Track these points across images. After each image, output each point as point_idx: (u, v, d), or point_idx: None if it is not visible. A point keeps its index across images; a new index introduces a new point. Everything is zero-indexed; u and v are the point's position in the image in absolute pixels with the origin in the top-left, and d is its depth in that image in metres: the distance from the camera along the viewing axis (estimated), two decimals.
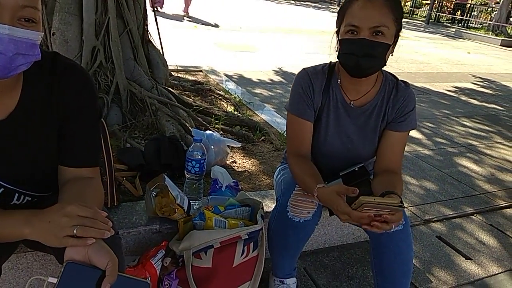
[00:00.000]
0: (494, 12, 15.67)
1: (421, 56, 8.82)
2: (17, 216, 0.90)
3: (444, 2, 18.71)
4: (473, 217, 2.53)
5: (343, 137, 1.48)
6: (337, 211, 1.22)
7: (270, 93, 4.65)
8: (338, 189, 1.23)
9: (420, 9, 20.53)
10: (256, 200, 1.73)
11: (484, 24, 15.93)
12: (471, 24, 16.69)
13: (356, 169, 1.28)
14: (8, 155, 1.02)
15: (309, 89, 1.45)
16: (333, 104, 1.47)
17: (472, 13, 17.48)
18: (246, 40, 8.14)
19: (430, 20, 17.56)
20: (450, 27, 16.70)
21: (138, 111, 2.77)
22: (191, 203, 1.68)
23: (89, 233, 0.85)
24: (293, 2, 18.97)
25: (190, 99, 3.26)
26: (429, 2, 18.15)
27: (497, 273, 2.02)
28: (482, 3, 18.72)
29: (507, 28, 14.36)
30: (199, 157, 1.72)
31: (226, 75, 4.64)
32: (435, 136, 3.96)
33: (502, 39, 12.92)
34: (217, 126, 2.88)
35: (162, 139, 2.22)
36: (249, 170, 2.39)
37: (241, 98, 3.69)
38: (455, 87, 6.25)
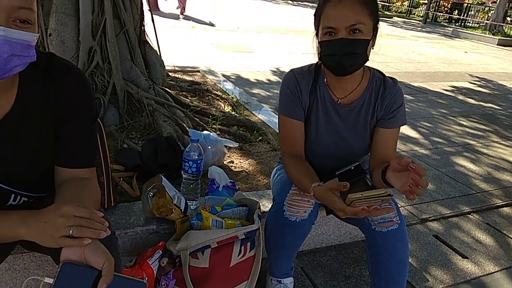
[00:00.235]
0: (491, 12, 15.72)
1: (418, 56, 8.84)
2: (13, 217, 0.90)
3: (441, 1, 18.77)
4: (470, 216, 2.54)
5: (333, 135, 1.49)
6: (333, 208, 1.24)
7: (267, 93, 4.66)
8: (331, 185, 1.24)
9: (417, 9, 20.58)
10: (253, 200, 1.73)
11: (481, 24, 15.98)
12: (468, 24, 16.74)
13: (352, 168, 1.28)
14: (4, 156, 1.02)
15: (296, 89, 1.47)
16: (321, 103, 1.48)
17: (469, 13, 17.54)
18: (243, 40, 8.14)
19: (428, 20, 17.60)
20: (447, 26, 16.74)
21: (135, 112, 2.77)
22: (188, 203, 1.69)
23: (85, 233, 0.85)
24: (290, 2, 18.98)
25: (188, 100, 3.26)
26: (426, 1, 18.20)
27: (494, 272, 2.03)
28: (479, 2, 18.80)
29: (504, 27, 14.41)
30: (196, 157, 1.73)
31: (223, 75, 4.64)
32: (432, 135, 3.97)
33: (499, 39, 12.97)
34: (214, 126, 2.89)
35: (159, 140, 2.22)
36: (247, 170, 2.40)
37: (239, 98, 3.69)
38: (452, 87, 6.27)
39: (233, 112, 3.27)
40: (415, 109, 4.85)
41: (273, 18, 12.78)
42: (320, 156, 1.55)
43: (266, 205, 1.84)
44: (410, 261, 2.00)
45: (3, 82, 0.94)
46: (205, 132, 2.42)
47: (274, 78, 5.39)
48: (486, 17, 16.56)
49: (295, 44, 8.32)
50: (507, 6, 14.87)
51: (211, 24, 10.20)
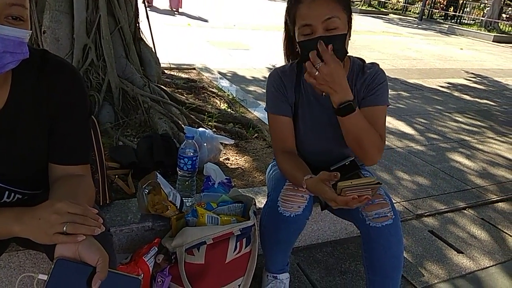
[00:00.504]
0: (487, 8, 15.76)
1: (414, 53, 8.86)
2: (7, 214, 0.90)
3: None
4: (465, 211, 2.55)
5: (320, 128, 1.49)
6: (325, 199, 1.26)
7: (263, 90, 4.66)
8: (322, 177, 1.26)
9: (413, 6, 20.62)
10: (249, 196, 1.73)
11: (476, 20, 16.03)
12: (464, 20, 16.78)
13: (347, 163, 1.29)
14: None
15: (281, 87, 1.49)
16: (306, 98, 1.50)
17: (465, 9, 17.58)
18: (239, 38, 8.14)
19: (423, 17, 17.64)
20: (443, 23, 16.78)
21: (130, 109, 2.76)
22: (184, 200, 1.69)
23: (79, 230, 0.85)
24: None
25: (183, 97, 3.26)
26: None
27: (489, 266, 2.04)
28: None
29: (499, 24, 14.45)
30: (191, 154, 1.73)
31: (219, 72, 4.63)
32: (428, 131, 3.98)
33: (494, 35, 13.01)
34: (210, 123, 2.88)
35: (155, 137, 2.21)
36: (242, 167, 2.40)
37: (235, 96, 3.69)
38: (448, 83, 6.29)
39: (229, 109, 3.27)
40: (411, 105, 4.86)
41: (269, 16, 12.77)
42: (313, 152, 1.56)
43: (261, 202, 1.84)
44: (405, 256, 2.02)
45: None
46: (200, 129, 2.41)
47: None
48: (482, 14, 16.61)
49: None
50: (502, 3, 14.93)
51: (205, 20, 10.22)
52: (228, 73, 5.19)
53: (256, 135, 2.86)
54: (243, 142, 2.74)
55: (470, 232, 2.33)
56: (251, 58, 6.43)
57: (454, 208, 2.55)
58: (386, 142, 3.53)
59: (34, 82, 1.03)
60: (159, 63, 3.34)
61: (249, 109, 3.40)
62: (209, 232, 1.48)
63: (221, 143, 2.40)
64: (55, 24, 2.64)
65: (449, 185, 2.86)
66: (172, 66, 4.32)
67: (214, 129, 2.80)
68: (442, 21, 17.51)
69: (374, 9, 19.52)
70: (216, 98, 3.54)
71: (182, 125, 2.61)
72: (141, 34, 3.17)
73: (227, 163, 2.43)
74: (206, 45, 7.25)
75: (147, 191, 1.58)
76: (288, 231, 1.47)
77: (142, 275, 1.43)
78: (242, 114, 3.19)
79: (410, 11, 20.20)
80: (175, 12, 11.29)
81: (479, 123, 4.47)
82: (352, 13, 1.38)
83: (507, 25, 14.89)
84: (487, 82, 6.72)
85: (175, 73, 4.09)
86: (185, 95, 3.41)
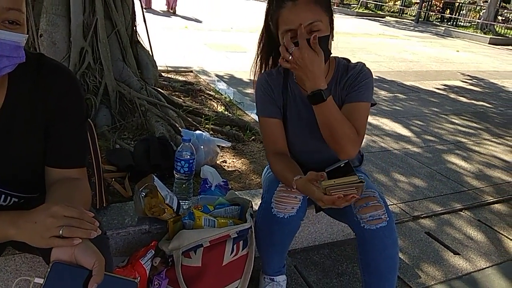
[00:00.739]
0: (483, 11, 15.84)
1: (410, 55, 8.89)
2: (3, 217, 0.90)
3: (433, 1, 18.88)
4: (462, 213, 2.56)
5: (309, 128, 1.50)
6: (313, 199, 1.29)
7: None
8: (310, 177, 1.28)
9: (409, 8, 20.70)
10: (246, 199, 1.73)
11: (472, 23, 16.09)
12: (460, 23, 16.85)
13: (342, 165, 1.30)
14: None
15: (269, 90, 1.51)
16: (293, 100, 1.51)
17: (461, 12, 17.66)
18: (236, 40, 8.15)
19: (420, 19, 17.71)
20: (439, 25, 16.85)
21: (127, 112, 2.76)
22: (181, 203, 1.69)
23: (75, 233, 0.85)
24: None
25: (180, 100, 3.26)
26: (418, 1, 18.30)
27: (485, 268, 2.04)
28: (471, 1, 18.95)
29: (495, 26, 14.52)
30: (188, 157, 1.73)
31: (216, 75, 4.64)
32: (424, 133, 4.00)
33: (490, 37, 13.07)
34: (207, 126, 2.89)
35: (152, 140, 2.22)
36: (239, 170, 2.40)
37: (232, 98, 3.70)
38: (444, 85, 6.31)
39: (226, 112, 3.28)
40: (407, 107, 4.88)
41: None
42: (302, 152, 1.58)
43: (258, 204, 1.84)
44: (402, 258, 2.03)
45: None
46: (197, 132, 2.42)
47: None
48: (478, 16, 16.68)
49: None
50: (498, 5, 15.00)
51: (199, 21, 10.30)
52: (225, 76, 5.19)
53: (253, 137, 2.86)
54: (240, 145, 2.75)
55: (467, 233, 2.33)
56: (249, 60, 6.44)
57: (450, 210, 2.56)
58: (383, 144, 3.55)
59: (30, 86, 1.04)
60: (156, 66, 3.35)
61: (246, 111, 3.41)
62: (206, 235, 1.48)
63: (218, 146, 2.40)
64: (52, 28, 2.64)
65: (446, 187, 2.87)
66: (169, 69, 4.33)
67: (211, 132, 2.80)
68: (438, 23, 17.58)
69: (370, 11, 19.58)
70: (213, 101, 3.54)
71: (179, 128, 2.62)
72: (138, 37, 3.18)
73: (224, 166, 2.43)
74: (204, 47, 7.26)
75: (144, 194, 1.58)
76: (283, 233, 1.48)
77: (138, 278, 1.43)
78: (239, 117, 3.20)
79: (406, 13, 20.28)
80: (171, 12, 11.38)
81: (475, 125, 4.48)
82: (333, 14, 1.40)
83: (503, 27, 14.97)
84: (483, 84, 6.74)
85: (172, 76, 4.09)
86: (182, 98, 3.41)
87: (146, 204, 1.57)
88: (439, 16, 18.44)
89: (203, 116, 3.01)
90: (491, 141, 4.01)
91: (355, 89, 1.43)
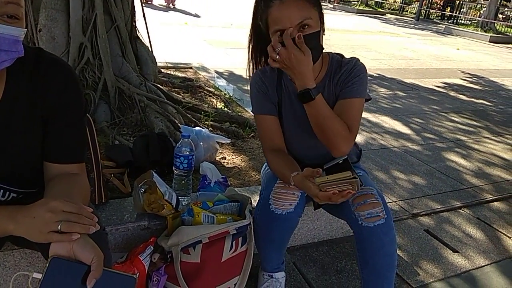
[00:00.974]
0: (483, 9, 15.81)
1: (410, 53, 8.88)
2: (1, 212, 0.90)
3: None
4: (461, 210, 2.56)
5: (304, 125, 1.48)
6: (310, 195, 1.29)
7: None
8: (306, 173, 1.29)
9: (410, 6, 20.68)
10: (245, 195, 1.73)
11: (473, 21, 16.08)
12: (460, 21, 16.83)
13: (340, 161, 1.29)
14: None
15: (263, 87, 1.51)
16: (288, 97, 1.51)
17: (462, 10, 17.63)
18: (236, 37, 8.12)
19: (420, 17, 17.68)
20: (439, 23, 16.82)
21: (126, 108, 2.76)
22: (180, 199, 1.69)
23: (74, 228, 0.85)
24: None
25: (180, 96, 3.25)
26: None
27: (484, 265, 2.04)
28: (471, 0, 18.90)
29: (495, 24, 14.50)
30: (187, 153, 1.73)
31: (216, 72, 4.63)
32: (424, 131, 3.99)
33: (490, 36, 13.05)
34: (206, 122, 2.88)
35: (151, 136, 2.21)
36: (239, 166, 2.40)
37: (231, 95, 3.69)
38: (444, 83, 6.30)
39: (225, 109, 3.27)
40: (407, 105, 4.87)
41: None
42: (299, 148, 1.57)
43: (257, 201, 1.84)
44: (401, 255, 2.03)
45: None
46: (197, 128, 2.41)
47: None
48: (478, 14, 16.67)
49: None
50: (498, 3, 14.98)
51: (197, 15, 10.32)
52: (225, 72, 5.18)
53: (252, 134, 2.86)
54: (240, 141, 2.74)
55: (466, 231, 2.33)
56: None
57: (449, 208, 2.56)
58: (382, 142, 3.55)
59: (28, 81, 1.03)
60: (156, 62, 3.34)
61: (245, 108, 3.40)
62: (205, 231, 1.48)
63: (218, 142, 2.40)
64: (51, 23, 2.63)
65: (445, 185, 2.87)
66: (169, 65, 4.32)
67: (211, 128, 2.80)
68: (438, 21, 17.56)
69: (371, 9, 19.55)
70: (213, 97, 3.54)
71: (179, 124, 2.61)
72: (137, 33, 3.17)
73: (224, 162, 2.43)
74: (203, 44, 7.24)
75: (143, 190, 1.57)
76: (281, 229, 1.48)
77: (137, 274, 1.43)
78: (239, 113, 3.19)
79: (407, 11, 20.25)
80: (170, 7, 11.42)
81: (475, 123, 4.48)
82: (323, 9, 1.39)
83: (503, 26, 14.95)
84: (483, 82, 6.74)
85: (172, 72, 4.08)
86: (182, 94, 3.40)
87: (145, 200, 1.57)
88: (440, 14, 18.41)
89: (203, 112, 3.01)
90: (491, 139, 4.00)
91: (349, 85, 1.43)
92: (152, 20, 6.83)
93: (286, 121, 1.53)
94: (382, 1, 20.89)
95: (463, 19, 16.88)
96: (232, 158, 2.50)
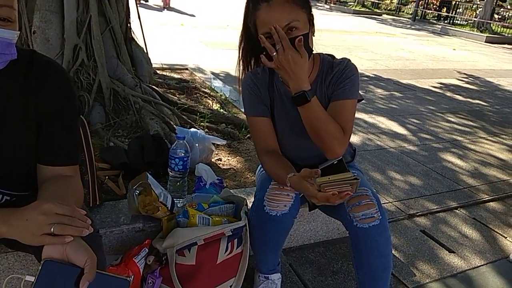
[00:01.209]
0: (479, 9, 15.88)
1: (407, 53, 8.90)
2: None
3: None
4: (457, 211, 2.57)
5: (296, 126, 1.48)
6: (307, 196, 1.28)
7: None
8: (304, 174, 1.27)
9: (406, 6, 20.73)
10: (240, 197, 1.73)
11: (469, 21, 16.14)
12: (456, 21, 16.90)
13: (335, 162, 1.29)
14: None
15: (255, 89, 1.50)
16: (279, 98, 1.50)
17: (458, 10, 17.70)
18: (233, 38, 8.13)
19: (417, 17, 17.74)
20: (436, 24, 16.88)
21: (121, 110, 2.75)
22: (175, 201, 1.68)
23: (67, 231, 0.84)
24: None
25: (175, 97, 3.25)
26: None
27: (480, 266, 2.05)
28: (467, 0, 18.96)
29: (491, 25, 14.56)
30: (182, 154, 1.72)
31: (212, 73, 4.62)
32: (420, 132, 4.00)
33: (486, 36, 13.11)
34: (202, 124, 2.88)
35: (146, 137, 2.20)
36: (234, 168, 2.40)
37: (227, 96, 3.68)
38: (440, 84, 6.32)
39: (221, 110, 3.27)
40: (403, 106, 4.88)
41: None
42: (292, 149, 1.57)
43: None
44: (397, 256, 2.03)
45: None
46: (192, 129, 2.41)
47: None
48: (474, 14, 16.74)
49: None
50: (494, 3, 15.04)
51: (192, 15, 10.35)
52: (221, 74, 5.17)
53: (248, 135, 2.85)
54: (236, 143, 2.74)
55: (462, 231, 2.34)
56: None
57: (446, 208, 2.57)
58: (379, 142, 3.55)
59: (22, 83, 1.03)
60: (151, 63, 3.33)
61: (241, 109, 3.39)
62: (200, 233, 1.48)
63: (213, 144, 2.39)
64: (45, 24, 2.62)
65: (441, 185, 2.87)
66: (164, 66, 4.31)
67: (206, 130, 2.79)
68: (435, 21, 17.61)
69: (367, 9, 19.61)
70: (209, 99, 3.53)
71: (174, 126, 2.61)
72: (132, 34, 3.16)
73: (219, 164, 2.42)
74: (199, 45, 7.24)
75: (137, 192, 1.57)
76: (276, 231, 1.48)
77: (132, 277, 1.42)
78: (235, 115, 3.19)
79: (403, 11, 20.31)
80: (165, 8, 11.47)
81: (471, 123, 4.49)
82: (312, 9, 1.38)
83: (499, 26, 15.01)
84: (479, 83, 6.76)
85: (168, 74, 4.08)
86: (177, 96, 3.40)
87: (140, 202, 1.56)
88: (436, 14, 18.47)
89: (198, 113, 3.00)
90: (487, 139, 4.02)
91: (341, 87, 1.42)
92: (148, 20, 6.83)
93: (278, 123, 1.53)
94: (379, 2, 20.95)
95: (459, 19, 16.95)
96: (228, 159, 2.50)
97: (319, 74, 1.48)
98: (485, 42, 12.77)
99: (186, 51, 6.51)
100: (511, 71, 8.25)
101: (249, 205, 1.74)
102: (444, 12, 18.04)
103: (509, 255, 2.14)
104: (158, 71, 3.93)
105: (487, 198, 2.76)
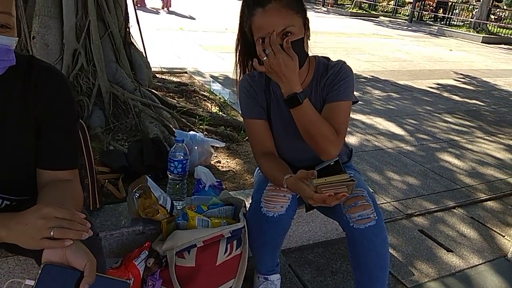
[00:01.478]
0: (475, 10, 15.92)
1: (404, 54, 8.93)
2: None
3: (426, 0, 18.96)
4: (455, 210, 2.58)
5: (291, 128, 1.49)
6: (303, 197, 1.29)
7: None
8: (300, 175, 1.28)
9: (403, 8, 20.78)
10: (239, 198, 1.74)
11: (465, 22, 16.18)
12: (453, 22, 16.93)
13: (331, 163, 1.30)
14: None
15: (251, 92, 1.51)
16: (276, 101, 1.52)
17: (454, 11, 17.74)
18: (231, 41, 8.14)
19: (413, 19, 17.78)
20: (432, 25, 16.92)
21: (121, 114, 2.76)
22: (175, 204, 1.69)
23: (67, 234, 0.85)
24: None
25: (174, 101, 3.26)
26: (412, 0, 18.37)
27: (478, 264, 2.06)
28: (464, 1, 19.03)
29: (488, 25, 14.60)
30: (181, 157, 1.73)
31: (211, 76, 4.64)
32: (418, 132, 4.02)
33: (483, 36, 13.14)
34: (201, 126, 2.89)
35: (145, 141, 2.22)
36: (234, 170, 2.41)
37: (226, 99, 3.70)
38: (437, 84, 6.35)
39: (220, 113, 3.28)
40: (401, 106, 4.90)
41: None
42: (288, 151, 1.58)
43: None
44: (395, 255, 2.04)
45: None
46: (191, 132, 2.42)
47: None
48: (471, 15, 16.77)
49: None
50: (490, 4, 15.09)
51: (191, 17, 10.38)
52: (220, 77, 5.19)
53: (247, 137, 2.86)
54: (234, 145, 2.75)
55: (460, 231, 2.35)
56: None
57: (443, 207, 2.58)
58: (377, 143, 3.57)
59: (21, 88, 1.04)
60: (150, 67, 3.35)
61: (240, 112, 3.41)
62: (199, 235, 1.49)
63: (212, 146, 2.40)
64: (44, 30, 2.63)
65: (439, 185, 2.89)
66: (163, 70, 4.33)
67: (205, 132, 2.80)
68: (431, 23, 17.66)
69: (364, 11, 19.63)
70: (208, 102, 3.55)
71: (173, 129, 2.62)
72: (131, 38, 3.17)
73: (218, 166, 2.44)
74: (198, 48, 7.26)
75: (137, 195, 1.58)
76: (273, 232, 1.49)
77: (132, 279, 1.43)
78: (234, 117, 3.20)
79: (400, 13, 20.36)
80: (165, 10, 11.50)
81: (468, 123, 4.51)
82: (307, 13, 1.39)
83: (496, 26, 15.06)
84: (476, 83, 6.79)
85: (167, 77, 4.09)
86: (177, 99, 3.41)
87: (139, 205, 1.57)
88: (433, 15, 18.53)
89: (197, 116, 3.01)
90: (484, 139, 4.03)
91: (335, 88, 1.44)
92: (147, 24, 6.85)
93: (275, 125, 1.54)
94: (376, 4, 21.00)
95: (456, 20, 16.99)
96: (227, 161, 2.51)
97: (314, 76, 1.49)
98: (482, 42, 12.80)
99: (185, 54, 6.53)
100: (507, 71, 8.28)
101: (248, 206, 1.75)
102: (440, 13, 18.09)
103: (507, 254, 2.16)
104: (157, 75, 3.94)
105: (484, 197, 2.77)
